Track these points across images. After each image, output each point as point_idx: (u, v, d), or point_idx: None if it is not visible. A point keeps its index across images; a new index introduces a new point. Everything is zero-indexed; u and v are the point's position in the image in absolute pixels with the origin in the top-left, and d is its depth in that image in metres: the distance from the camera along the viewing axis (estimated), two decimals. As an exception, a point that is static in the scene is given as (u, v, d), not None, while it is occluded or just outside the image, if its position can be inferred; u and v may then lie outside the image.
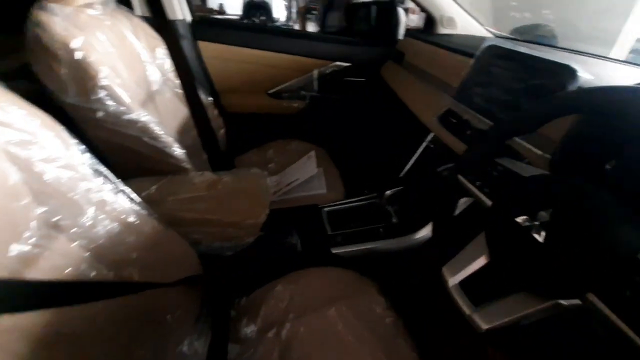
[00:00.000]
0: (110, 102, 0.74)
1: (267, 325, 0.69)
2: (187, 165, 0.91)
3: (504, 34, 1.49)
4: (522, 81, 0.74)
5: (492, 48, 0.85)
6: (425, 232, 0.85)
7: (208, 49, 1.36)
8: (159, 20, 1.13)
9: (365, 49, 1.50)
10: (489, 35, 1.43)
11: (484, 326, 0.47)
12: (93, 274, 0.48)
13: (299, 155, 1.31)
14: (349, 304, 0.72)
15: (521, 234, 0.45)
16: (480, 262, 0.52)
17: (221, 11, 6.56)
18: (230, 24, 1.73)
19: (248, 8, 6.47)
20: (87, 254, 0.49)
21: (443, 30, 1.38)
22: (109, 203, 0.54)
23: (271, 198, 1.00)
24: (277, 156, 1.36)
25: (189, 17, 1.31)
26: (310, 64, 1.47)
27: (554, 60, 0.68)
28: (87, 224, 0.50)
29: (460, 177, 0.60)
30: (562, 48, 1.13)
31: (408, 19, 1.57)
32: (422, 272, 0.91)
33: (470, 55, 0.92)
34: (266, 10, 6.57)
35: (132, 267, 0.55)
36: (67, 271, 0.45)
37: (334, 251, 0.86)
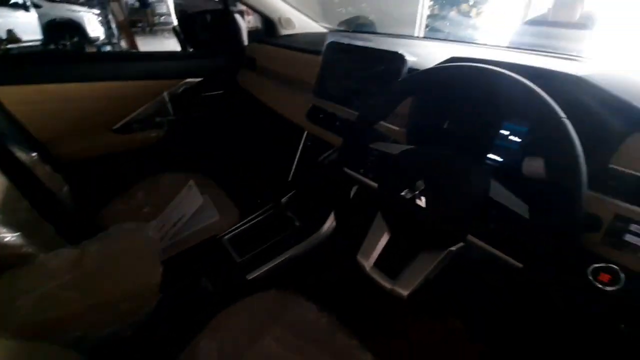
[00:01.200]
0: None
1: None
2: (29, 249, 0.69)
3: (336, 27, 1.66)
4: (365, 70, 0.84)
5: (333, 44, 0.93)
6: (329, 223, 0.89)
7: (9, 94, 1.05)
8: None
9: (213, 61, 1.43)
10: (324, 30, 1.57)
11: (405, 292, 0.52)
12: None
13: (176, 189, 1.17)
14: (282, 325, 0.70)
15: (408, 205, 0.52)
16: (385, 239, 0.58)
17: (13, 39, 5.03)
18: (32, 56, 1.38)
19: (50, 30, 5.28)
20: None
21: (283, 31, 1.44)
22: None
23: (161, 247, 0.86)
24: (150, 197, 1.18)
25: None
26: (156, 86, 1.31)
27: (385, 50, 0.79)
28: None
29: (346, 170, 0.64)
30: (386, 34, 1.34)
31: (245, 20, 1.57)
32: (340, 264, 0.96)
33: (318, 53, 0.99)
34: (78, 29, 5.52)
35: None
36: None
37: (249, 277, 0.82)
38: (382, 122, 0.73)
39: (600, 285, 0.49)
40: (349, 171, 0.64)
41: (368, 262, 0.58)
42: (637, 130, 0.49)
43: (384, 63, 0.80)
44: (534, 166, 0.59)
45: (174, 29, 1.55)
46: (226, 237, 0.93)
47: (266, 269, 0.83)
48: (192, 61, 1.37)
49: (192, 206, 1.08)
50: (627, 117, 0.50)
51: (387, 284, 0.55)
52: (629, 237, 0.47)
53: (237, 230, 0.95)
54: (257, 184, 1.21)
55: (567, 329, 0.73)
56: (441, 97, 0.69)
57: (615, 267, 0.48)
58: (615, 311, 0.52)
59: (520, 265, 0.42)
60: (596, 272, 0.49)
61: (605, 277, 0.49)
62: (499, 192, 0.48)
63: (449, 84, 0.53)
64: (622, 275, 0.47)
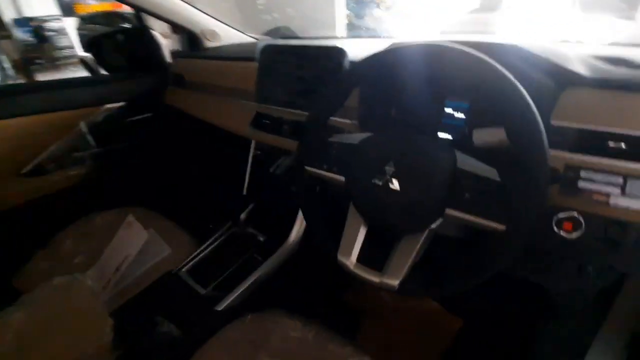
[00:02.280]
0: None
1: None
2: None
3: (263, 36, 1.63)
4: (305, 69, 0.83)
5: (268, 47, 0.90)
6: (296, 230, 0.84)
7: None
8: None
9: (135, 82, 1.29)
10: (252, 40, 1.53)
11: (395, 282, 0.50)
12: None
13: (113, 229, 1.02)
14: (268, 351, 0.63)
15: (382, 190, 0.50)
16: (362, 232, 0.55)
17: None
18: None
19: None
20: None
21: (209, 44, 1.37)
22: None
23: (106, 297, 0.73)
24: (81, 244, 1.01)
25: None
26: (70, 117, 1.14)
27: (323, 45, 0.78)
28: None
29: (308, 168, 0.61)
30: (311, 37, 1.36)
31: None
32: (318, 271, 0.91)
33: (252, 59, 0.95)
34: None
35: None
36: None
37: (219, 308, 0.73)
38: (333, 117, 0.72)
39: (565, 235, 0.52)
40: (311, 169, 0.60)
41: (350, 260, 0.55)
42: (567, 87, 0.54)
43: (324, 59, 0.78)
44: (483, 136, 0.62)
45: (81, 60, 1.38)
46: (184, 269, 0.83)
47: (236, 294, 0.75)
48: (110, 85, 1.23)
49: (135, 244, 0.95)
50: (557, 77, 0.54)
51: (375, 278, 0.52)
52: (581, 184, 0.50)
53: (195, 260, 0.85)
54: (209, 206, 1.11)
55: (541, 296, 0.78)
56: (385, 85, 0.70)
57: (576, 214, 0.51)
58: (580, 256, 0.56)
59: (502, 227, 0.42)
60: (559, 223, 0.52)
61: (568, 225, 0.52)
62: (466, 162, 0.48)
63: (397, 65, 0.53)
64: (582, 221, 0.51)
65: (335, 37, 1.24)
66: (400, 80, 0.68)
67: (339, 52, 0.75)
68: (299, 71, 0.84)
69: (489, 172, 0.46)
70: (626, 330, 0.68)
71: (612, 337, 0.67)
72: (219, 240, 0.90)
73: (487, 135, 0.62)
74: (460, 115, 0.67)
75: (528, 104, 0.41)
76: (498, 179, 0.45)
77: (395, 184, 0.50)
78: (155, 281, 0.81)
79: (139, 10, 1.18)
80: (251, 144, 0.96)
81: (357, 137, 0.59)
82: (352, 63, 0.57)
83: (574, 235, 0.51)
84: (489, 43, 0.56)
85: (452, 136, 0.69)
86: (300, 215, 0.85)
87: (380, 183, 0.51)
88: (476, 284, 0.46)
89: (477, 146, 0.62)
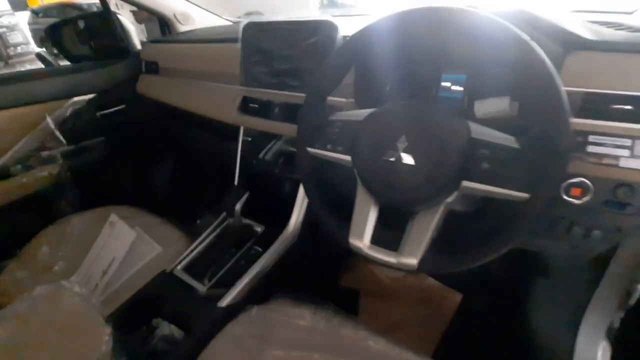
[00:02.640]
0: None
1: None
2: None
3: (238, 19, 1.54)
4: (295, 46, 0.78)
5: (251, 25, 0.84)
6: (295, 217, 0.81)
7: None
8: None
9: (104, 72, 1.19)
10: (228, 23, 1.45)
11: (414, 261, 0.48)
12: None
13: (93, 231, 0.95)
14: (279, 343, 0.60)
15: (394, 167, 0.48)
16: (374, 212, 0.53)
17: None
18: None
19: None
20: None
21: (183, 27, 1.28)
22: None
23: (97, 304, 0.67)
24: (60, 249, 0.94)
25: None
26: (33, 113, 1.04)
27: (313, 20, 0.74)
28: None
29: (311, 150, 0.57)
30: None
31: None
32: (318, 256, 0.88)
33: (233, 41, 0.89)
34: None
35: None
36: None
37: (223, 305, 0.69)
38: (333, 97, 0.69)
39: (573, 200, 0.52)
40: (314, 150, 0.57)
41: (364, 243, 0.52)
42: (572, 52, 0.53)
43: (314, 34, 0.74)
44: (486, 107, 0.61)
45: (38, 55, 1.24)
46: (179, 267, 0.78)
47: (239, 288, 0.71)
48: (77, 76, 1.12)
49: (122, 244, 0.89)
50: (563, 41, 0.53)
51: (392, 259, 0.50)
52: (590, 148, 0.50)
53: (190, 256, 0.80)
54: (198, 199, 1.06)
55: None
56: (385, 57, 0.67)
57: (584, 179, 0.51)
58: (588, 220, 0.56)
59: (526, 195, 0.41)
60: (568, 188, 0.52)
61: (577, 191, 0.52)
62: (481, 131, 0.47)
63: (402, 31, 0.50)
64: (591, 185, 0.51)
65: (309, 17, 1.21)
66: (404, 49, 0.65)
67: (330, 26, 0.71)
68: (287, 50, 0.79)
69: (507, 140, 0.44)
70: (621, 289, 0.71)
71: (608, 296, 0.69)
72: (213, 234, 0.85)
73: (491, 106, 0.61)
74: (458, 87, 0.66)
75: (552, 71, 0.40)
76: (517, 146, 0.43)
77: (408, 159, 0.48)
78: (150, 282, 0.76)
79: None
80: (239, 130, 0.91)
81: (359, 113, 0.56)
82: (354, 35, 0.53)
83: (583, 200, 0.51)
84: (492, 9, 0.54)
85: (450, 109, 0.68)
86: (298, 201, 0.81)
87: (393, 159, 0.48)
88: (497, 255, 0.45)
89: (479, 117, 0.61)
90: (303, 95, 0.78)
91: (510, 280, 0.94)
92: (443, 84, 0.67)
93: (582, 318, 0.67)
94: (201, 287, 0.73)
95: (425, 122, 0.48)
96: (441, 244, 0.49)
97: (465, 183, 0.46)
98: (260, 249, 0.80)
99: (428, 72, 0.67)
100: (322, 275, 0.93)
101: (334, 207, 0.57)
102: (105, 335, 0.51)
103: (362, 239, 0.52)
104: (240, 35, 0.85)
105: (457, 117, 0.48)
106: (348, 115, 0.56)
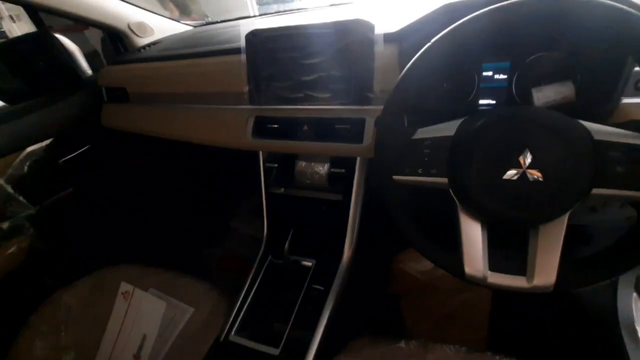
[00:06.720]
0: None
1: None
2: None
3: (198, 22, 1.35)
4: (320, 53, 0.67)
5: (256, 34, 0.71)
6: (348, 244, 0.73)
7: None
8: None
9: (54, 109, 0.96)
10: (189, 28, 1.26)
11: (551, 283, 0.44)
12: None
13: (96, 305, 0.78)
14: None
15: (518, 183, 0.43)
16: (485, 235, 0.47)
17: None
18: None
19: None
20: None
21: (141, 40, 1.08)
22: None
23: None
24: (58, 339, 0.76)
25: None
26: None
27: (341, 20, 0.63)
28: None
29: (398, 178, 0.49)
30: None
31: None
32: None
33: (232, 52, 0.75)
34: None
35: None
36: None
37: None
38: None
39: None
40: (403, 178, 0.49)
41: (484, 272, 0.47)
42: None
43: (344, 37, 0.64)
44: (547, 94, 0.58)
45: None
46: (233, 331, 0.66)
47: (318, 339, 0.62)
48: (23, 120, 0.89)
49: (150, 318, 0.74)
50: None
51: (524, 284, 0.45)
52: None
53: (242, 314, 0.69)
54: (213, 239, 0.92)
55: None
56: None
57: None
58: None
59: None
60: None
61: None
62: (603, 130, 0.42)
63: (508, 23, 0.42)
64: None
65: (249, 17, 1.11)
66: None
67: (364, 26, 0.62)
68: (311, 58, 0.68)
69: (638, 137, 0.41)
70: None
71: None
72: (257, 281, 0.73)
73: (554, 93, 0.58)
74: (502, 76, 0.62)
75: None
76: None
77: (535, 174, 0.42)
78: (205, 357, 0.63)
79: (35, 8, 0.85)
80: (259, 157, 0.79)
81: (446, 127, 0.49)
82: (451, 30, 0.44)
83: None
84: None
85: (496, 100, 0.64)
86: (350, 226, 0.73)
87: (516, 177, 0.43)
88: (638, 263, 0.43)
89: (539, 105, 0.58)
90: (336, 108, 0.70)
91: None
92: (484, 73, 0.62)
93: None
94: (274, 351, 0.62)
95: (545, 131, 0.43)
96: (574, 257, 0.45)
97: (597, 190, 0.42)
98: (321, 287, 0.70)
99: (468, 63, 0.62)
100: (388, 298, 0.87)
101: (436, 236, 0.51)
102: None
103: (481, 268, 0.47)
104: (243, 45, 0.72)
105: (571, 120, 0.43)
106: (435, 131, 0.49)
